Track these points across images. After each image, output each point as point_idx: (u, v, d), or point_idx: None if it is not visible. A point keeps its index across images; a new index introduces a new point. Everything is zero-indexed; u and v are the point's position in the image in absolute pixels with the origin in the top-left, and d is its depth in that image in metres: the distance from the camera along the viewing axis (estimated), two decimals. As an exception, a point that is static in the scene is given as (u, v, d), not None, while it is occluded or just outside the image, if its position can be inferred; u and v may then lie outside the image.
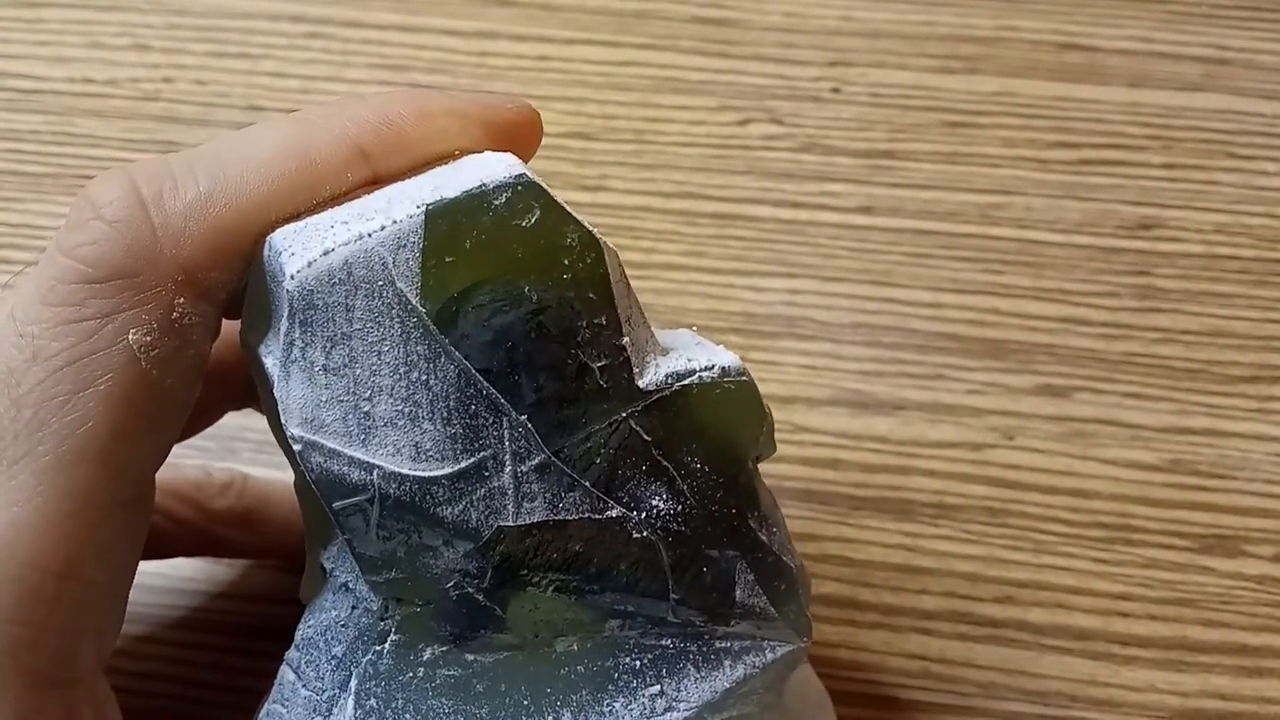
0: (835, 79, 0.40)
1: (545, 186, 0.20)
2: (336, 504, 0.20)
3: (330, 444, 0.19)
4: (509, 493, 0.20)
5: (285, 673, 0.22)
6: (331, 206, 0.20)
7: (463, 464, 0.20)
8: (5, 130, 0.39)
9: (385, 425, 0.19)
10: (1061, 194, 0.37)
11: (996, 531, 0.32)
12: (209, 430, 0.27)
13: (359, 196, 0.20)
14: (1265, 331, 0.35)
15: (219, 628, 0.30)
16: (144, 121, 0.39)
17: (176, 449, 0.22)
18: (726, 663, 0.21)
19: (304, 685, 0.21)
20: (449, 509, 0.20)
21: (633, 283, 0.21)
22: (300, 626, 0.22)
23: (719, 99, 0.39)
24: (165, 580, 0.30)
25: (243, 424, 0.32)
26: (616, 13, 0.41)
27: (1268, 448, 0.33)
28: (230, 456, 0.32)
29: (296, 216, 0.20)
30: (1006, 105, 0.39)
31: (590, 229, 0.20)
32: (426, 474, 0.20)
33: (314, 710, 0.21)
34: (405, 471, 0.20)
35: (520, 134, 0.22)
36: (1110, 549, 0.31)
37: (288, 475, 0.22)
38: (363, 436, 0.19)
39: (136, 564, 0.21)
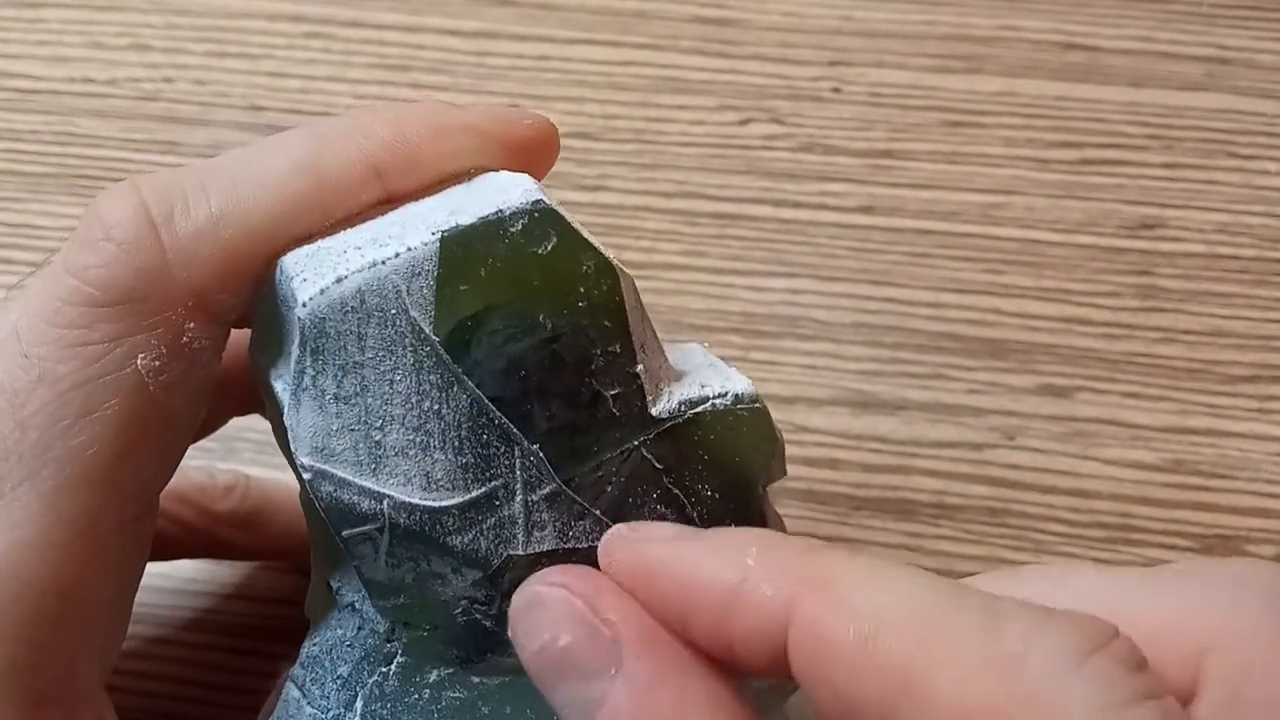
0: (835, 79, 0.40)
1: (562, 213, 0.19)
2: (346, 532, 0.20)
3: (341, 473, 0.19)
4: (519, 522, 0.20)
5: (290, 690, 0.21)
6: (344, 227, 0.20)
7: (473, 494, 0.20)
8: (5, 130, 0.39)
9: (396, 454, 0.19)
10: (1062, 194, 0.37)
11: (997, 531, 0.32)
12: (210, 431, 0.27)
13: (372, 216, 0.20)
14: (1266, 331, 0.35)
15: (220, 628, 0.30)
16: (144, 121, 0.39)
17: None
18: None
19: (309, 703, 0.21)
20: (459, 538, 0.20)
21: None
22: (305, 644, 0.22)
23: (719, 99, 0.39)
24: (166, 581, 0.30)
25: (244, 425, 0.32)
26: (617, 13, 0.41)
27: (1268, 447, 0.33)
28: (231, 457, 0.32)
29: (308, 237, 0.20)
30: (1007, 105, 0.39)
31: (607, 256, 0.20)
32: (437, 504, 0.19)
33: None
34: (416, 501, 0.19)
35: (537, 151, 0.21)
36: (1111, 549, 0.31)
37: (289, 477, 0.22)
38: (373, 466, 0.19)
39: (139, 580, 0.21)
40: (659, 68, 0.40)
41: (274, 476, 0.30)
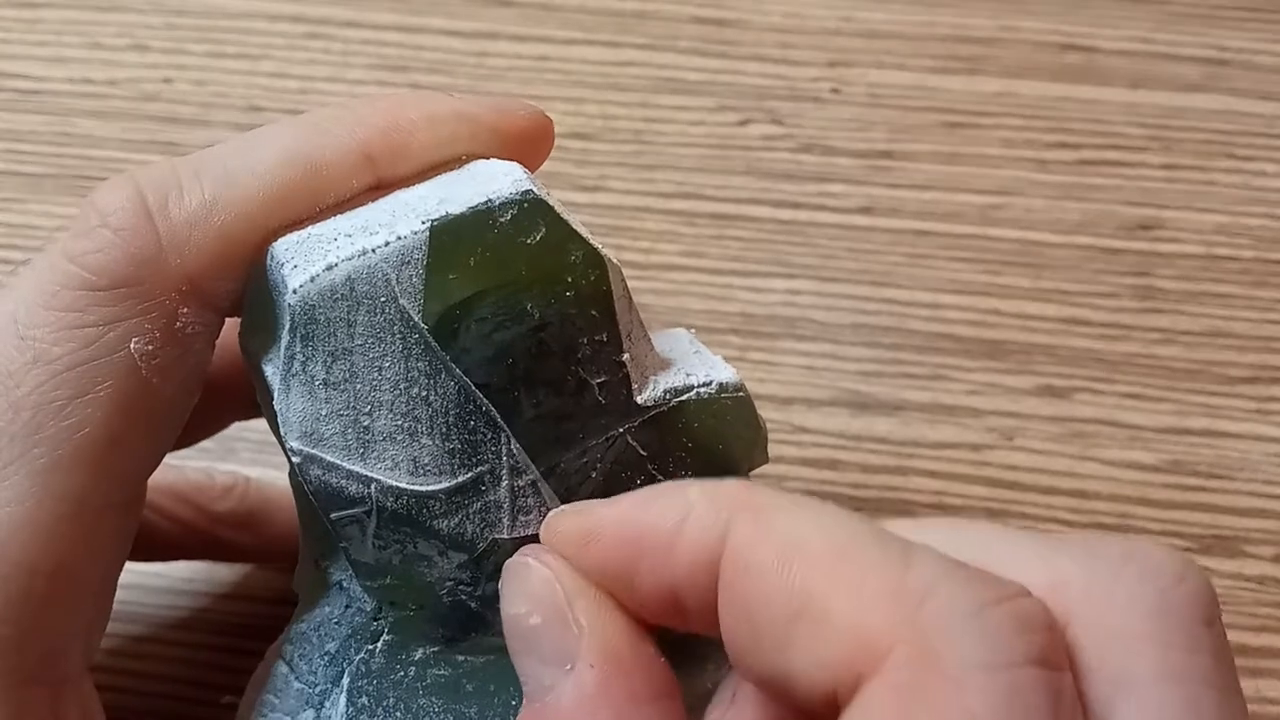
0: (835, 79, 0.40)
1: (551, 203, 0.19)
2: (334, 515, 0.20)
3: (329, 457, 0.19)
4: (504, 506, 0.20)
5: (278, 665, 0.22)
6: (335, 213, 0.20)
7: (460, 479, 0.20)
8: (5, 130, 0.39)
9: (384, 440, 0.19)
10: (1061, 195, 0.37)
11: (996, 532, 0.32)
12: (208, 432, 0.27)
13: (362, 203, 0.20)
14: (1264, 332, 0.35)
15: (217, 628, 0.30)
16: (143, 122, 0.39)
17: (178, 452, 0.22)
18: (710, 665, 0.21)
19: (297, 678, 0.21)
20: (445, 522, 0.20)
21: (631, 283, 0.21)
22: (294, 621, 0.22)
23: (718, 99, 0.39)
24: (163, 580, 0.30)
25: (243, 425, 0.31)
26: (616, 13, 0.41)
27: (1267, 448, 0.33)
28: (230, 457, 0.32)
29: (299, 223, 0.20)
30: (1006, 106, 0.39)
31: (595, 246, 0.20)
32: (424, 488, 0.20)
33: (306, 702, 0.21)
34: (403, 485, 0.20)
35: (532, 142, 0.21)
36: (1109, 550, 0.31)
37: (287, 478, 0.22)
38: (361, 450, 0.19)
39: (123, 565, 0.21)
40: (658, 68, 0.40)
41: (272, 477, 0.30)
